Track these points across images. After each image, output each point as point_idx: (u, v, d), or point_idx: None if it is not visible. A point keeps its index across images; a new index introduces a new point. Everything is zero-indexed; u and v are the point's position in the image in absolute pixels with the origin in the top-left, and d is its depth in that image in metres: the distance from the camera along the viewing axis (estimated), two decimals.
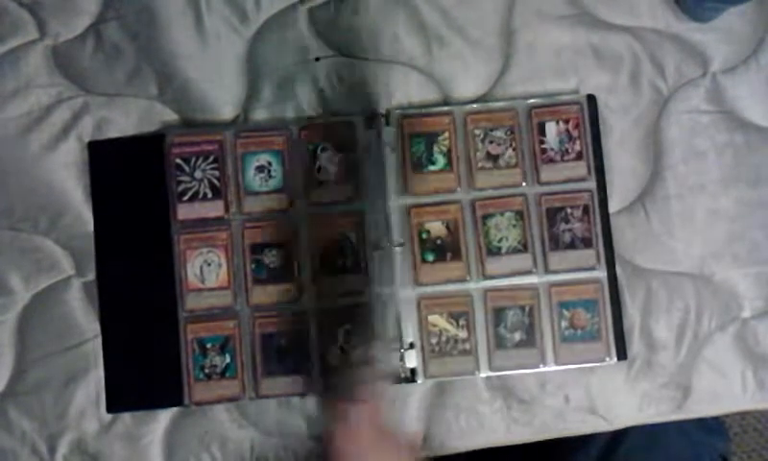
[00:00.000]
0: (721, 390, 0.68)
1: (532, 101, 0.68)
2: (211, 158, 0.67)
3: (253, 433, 0.66)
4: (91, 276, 0.67)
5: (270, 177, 0.67)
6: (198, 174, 0.67)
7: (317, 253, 0.66)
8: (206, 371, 0.65)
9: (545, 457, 0.72)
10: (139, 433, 0.66)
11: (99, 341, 0.66)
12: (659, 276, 0.68)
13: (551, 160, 0.67)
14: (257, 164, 0.67)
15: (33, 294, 0.67)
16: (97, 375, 0.66)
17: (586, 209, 0.67)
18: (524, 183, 0.67)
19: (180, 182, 0.66)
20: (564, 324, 0.66)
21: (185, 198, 0.66)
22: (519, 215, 0.67)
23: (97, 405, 0.66)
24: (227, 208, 0.66)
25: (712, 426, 0.73)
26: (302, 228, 0.66)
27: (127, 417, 0.66)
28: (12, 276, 0.67)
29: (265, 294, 0.66)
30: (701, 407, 0.68)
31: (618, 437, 0.69)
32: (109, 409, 0.66)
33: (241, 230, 0.66)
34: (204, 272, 0.66)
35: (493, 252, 0.67)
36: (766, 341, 0.68)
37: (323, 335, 0.65)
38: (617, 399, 0.67)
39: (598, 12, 0.71)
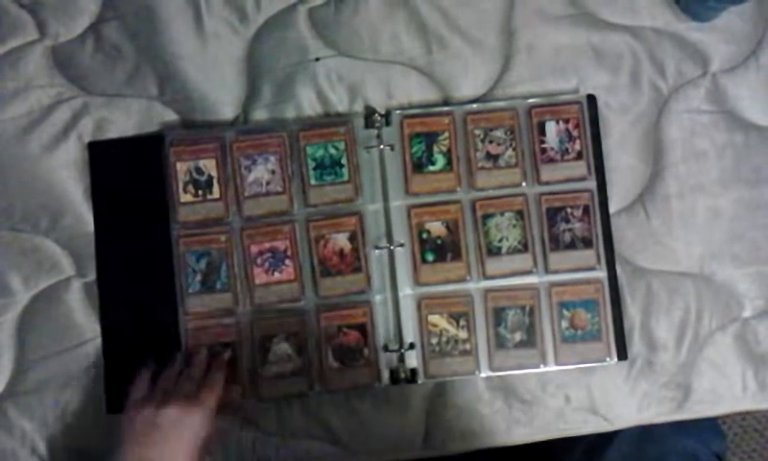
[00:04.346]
0: (721, 390, 0.68)
1: (532, 100, 0.68)
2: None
3: (254, 433, 0.66)
4: (91, 276, 0.67)
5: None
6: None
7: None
8: None
9: (540, 450, 0.72)
10: None
11: (99, 341, 0.66)
12: (659, 276, 0.68)
13: (551, 160, 0.67)
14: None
15: (33, 294, 0.67)
16: (97, 375, 0.66)
17: (586, 209, 0.67)
18: (524, 183, 0.67)
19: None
20: (564, 324, 0.66)
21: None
22: (520, 215, 0.67)
23: (97, 406, 0.66)
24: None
25: (708, 424, 0.72)
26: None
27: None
28: (13, 276, 0.67)
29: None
30: (701, 407, 0.68)
31: (612, 432, 0.69)
32: (109, 410, 0.65)
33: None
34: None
35: (494, 252, 0.66)
36: (766, 341, 0.68)
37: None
38: (618, 399, 0.67)
39: (598, 12, 0.71)
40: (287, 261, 0.66)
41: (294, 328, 0.65)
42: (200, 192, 0.66)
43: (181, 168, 0.66)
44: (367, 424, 0.66)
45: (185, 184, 0.66)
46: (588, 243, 0.67)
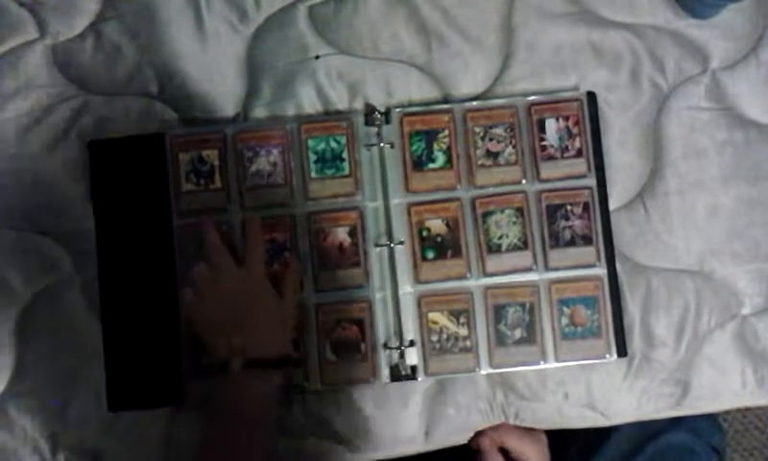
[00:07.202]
0: (720, 387, 0.68)
1: (532, 98, 0.68)
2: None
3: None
4: (92, 275, 0.67)
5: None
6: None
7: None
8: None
9: None
10: (141, 432, 0.66)
11: (100, 340, 0.66)
12: (658, 273, 0.68)
13: (551, 157, 0.67)
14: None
15: (33, 293, 0.67)
16: (98, 373, 0.66)
17: (585, 206, 0.67)
18: (524, 181, 0.67)
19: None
20: (564, 321, 0.66)
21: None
22: (519, 212, 0.67)
23: (98, 404, 0.66)
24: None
25: (705, 418, 0.73)
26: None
27: (128, 416, 0.66)
28: (13, 275, 0.67)
29: None
30: (700, 404, 0.68)
31: (610, 428, 0.69)
32: (111, 408, 0.66)
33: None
34: None
35: (494, 249, 0.67)
36: (766, 338, 0.68)
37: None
38: (617, 395, 0.67)
39: (598, 10, 0.71)
40: (286, 253, 0.66)
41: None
42: (201, 181, 0.67)
43: (183, 158, 0.67)
44: (368, 422, 0.67)
45: (187, 173, 0.67)
46: (587, 240, 0.67)
